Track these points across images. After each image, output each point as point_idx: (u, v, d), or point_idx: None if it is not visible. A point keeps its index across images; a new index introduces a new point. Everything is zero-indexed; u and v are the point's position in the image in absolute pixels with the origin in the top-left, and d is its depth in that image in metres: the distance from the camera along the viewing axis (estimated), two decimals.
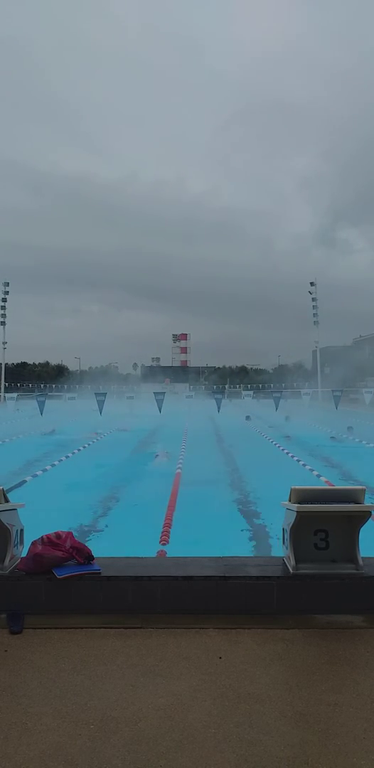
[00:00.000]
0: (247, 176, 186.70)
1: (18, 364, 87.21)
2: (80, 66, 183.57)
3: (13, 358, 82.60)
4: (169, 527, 7.96)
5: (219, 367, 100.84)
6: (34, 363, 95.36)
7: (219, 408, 31.54)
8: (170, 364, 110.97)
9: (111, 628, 4.06)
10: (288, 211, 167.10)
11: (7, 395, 45.03)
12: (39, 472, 12.87)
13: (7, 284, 53.33)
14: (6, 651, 3.75)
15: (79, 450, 17.12)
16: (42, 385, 65.00)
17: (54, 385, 63.44)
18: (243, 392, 55.97)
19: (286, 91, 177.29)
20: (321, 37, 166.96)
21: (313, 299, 56.12)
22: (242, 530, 8.40)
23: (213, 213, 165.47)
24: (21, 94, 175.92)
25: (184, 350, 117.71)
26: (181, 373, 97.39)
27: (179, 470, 12.84)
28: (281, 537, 4.89)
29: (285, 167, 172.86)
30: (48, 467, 13.72)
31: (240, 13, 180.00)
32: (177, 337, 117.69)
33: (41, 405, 30.08)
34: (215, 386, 61.38)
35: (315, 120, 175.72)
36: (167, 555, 6.26)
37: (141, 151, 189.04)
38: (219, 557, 4.80)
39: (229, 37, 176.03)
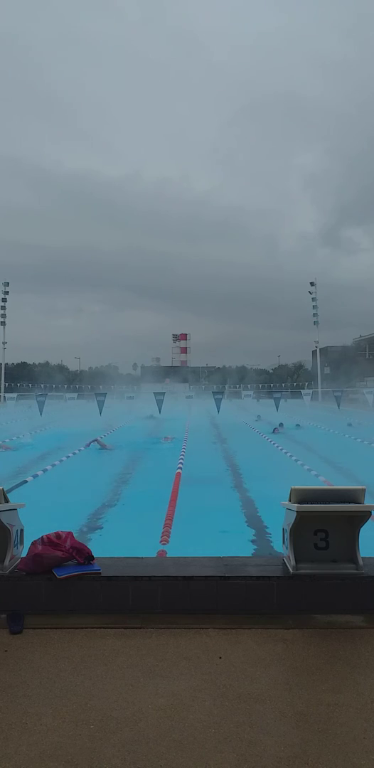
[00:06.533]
0: (251, 174, 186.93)
1: (18, 364, 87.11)
2: (82, 63, 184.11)
3: (13, 358, 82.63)
4: (169, 527, 7.96)
5: (219, 367, 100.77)
6: (34, 363, 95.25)
7: (218, 408, 31.53)
8: (170, 364, 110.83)
9: (111, 628, 4.06)
10: (291, 209, 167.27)
11: (7, 395, 45.10)
12: (39, 472, 12.87)
13: (7, 284, 53.45)
14: (6, 651, 3.75)
15: (79, 450, 17.11)
16: (42, 385, 64.95)
17: (54, 385, 63.44)
18: (243, 392, 55.98)
19: (290, 87, 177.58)
20: (325, 30, 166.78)
21: (313, 299, 56.25)
22: (242, 530, 8.39)
23: (216, 211, 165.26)
24: (23, 92, 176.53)
25: (184, 350, 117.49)
26: (180, 373, 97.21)
27: (179, 470, 12.84)
28: (281, 537, 4.89)
29: (289, 165, 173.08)
30: (48, 467, 13.72)
31: (243, 9, 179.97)
32: (177, 337, 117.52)
33: (41, 405, 30.10)
34: (215, 386, 61.28)
35: (320, 116, 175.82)
36: (167, 555, 6.26)
37: (144, 148, 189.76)
38: (219, 557, 4.80)
39: (232, 32, 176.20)
